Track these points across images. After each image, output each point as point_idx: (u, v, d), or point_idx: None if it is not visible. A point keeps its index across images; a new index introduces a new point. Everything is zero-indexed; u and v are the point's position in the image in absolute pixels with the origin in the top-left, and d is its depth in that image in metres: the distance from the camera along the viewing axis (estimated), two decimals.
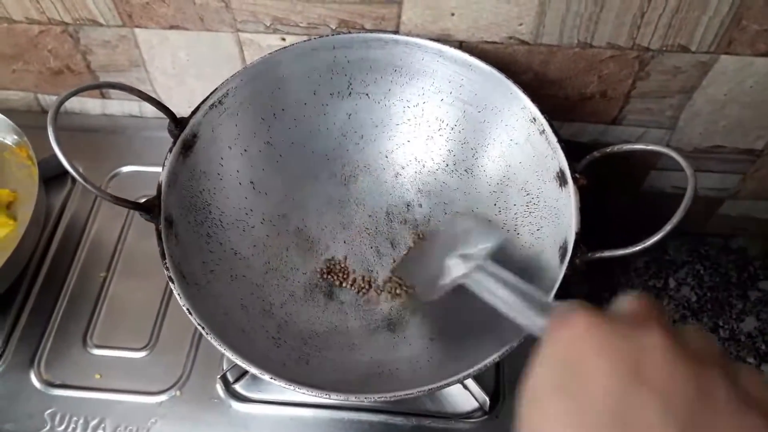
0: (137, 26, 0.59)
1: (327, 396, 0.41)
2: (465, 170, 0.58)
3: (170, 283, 0.44)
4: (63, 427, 0.53)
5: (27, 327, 0.58)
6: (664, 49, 0.56)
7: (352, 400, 0.42)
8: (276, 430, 0.53)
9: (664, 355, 0.24)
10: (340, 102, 0.58)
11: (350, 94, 0.58)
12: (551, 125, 0.50)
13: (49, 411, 0.54)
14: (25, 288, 0.60)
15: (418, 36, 0.54)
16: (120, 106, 0.70)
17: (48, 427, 0.53)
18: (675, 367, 0.23)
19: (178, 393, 0.54)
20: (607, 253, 0.44)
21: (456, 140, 0.58)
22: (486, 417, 0.53)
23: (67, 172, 0.43)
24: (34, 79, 0.68)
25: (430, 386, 0.41)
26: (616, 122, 0.64)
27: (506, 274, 0.38)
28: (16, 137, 0.63)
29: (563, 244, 0.47)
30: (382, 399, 0.41)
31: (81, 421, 0.53)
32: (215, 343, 0.43)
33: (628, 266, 0.75)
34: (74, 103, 0.70)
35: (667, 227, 0.42)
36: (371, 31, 0.57)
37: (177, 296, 0.44)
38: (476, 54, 0.52)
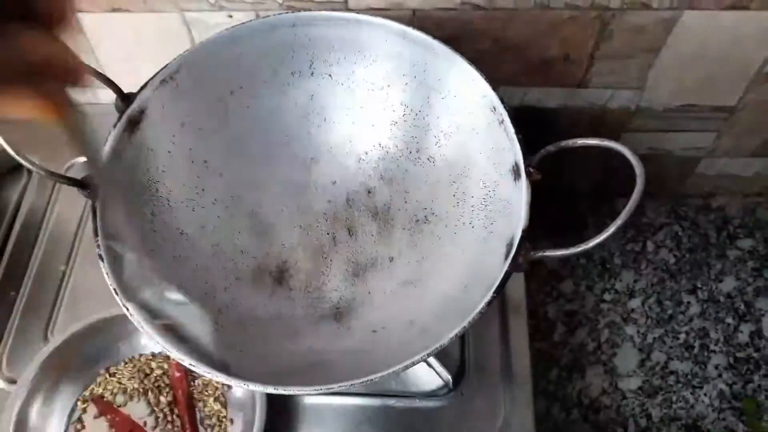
0: (80, 10, 0.58)
1: (246, 386, 0.40)
2: (428, 158, 0.56)
3: (100, 262, 0.44)
4: None
5: None
6: (625, 7, 0.53)
7: (271, 391, 0.40)
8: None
9: None
10: (301, 82, 0.56)
11: (312, 74, 0.56)
12: (510, 116, 0.47)
13: None
14: None
15: (369, 8, 0.51)
16: (74, 93, 0.69)
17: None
18: None
19: None
20: (550, 253, 0.42)
21: (420, 126, 0.56)
22: (451, 393, 0.53)
23: (21, 164, 0.42)
24: None
25: (375, 375, 0.40)
26: (582, 85, 0.62)
27: None
28: None
29: (510, 240, 0.44)
30: (306, 392, 0.40)
31: None
32: (138, 326, 0.42)
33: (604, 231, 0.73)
34: None
35: (611, 229, 0.39)
36: (329, 8, 0.55)
37: (105, 275, 0.43)
38: (431, 23, 0.50)
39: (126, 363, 0.55)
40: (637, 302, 0.70)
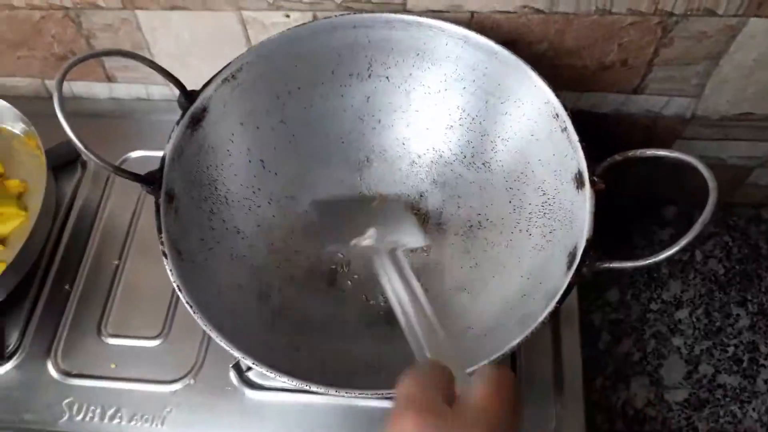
0: (138, 8, 0.58)
1: (308, 387, 0.40)
2: (483, 163, 0.56)
3: (163, 258, 0.44)
4: (81, 416, 0.54)
5: (42, 317, 0.58)
6: (689, 13, 0.52)
7: (333, 393, 0.40)
8: (290, 417, 0.53)
9: None
10: (358, 84, 0.56)
11: (370, 76, 0.56)
12: (573, 123, 0.47)
13: (66, 401, 0.54)
14: (39, 278, 0.60)
15: (427, 9, 0.51)
16: (127, 89, 0.69)
17: (66, 417, 0.54)
18: None
19: (191, 381, 0.54)
20: (617, 264, 0.42)
21: (476, 131, 0.56)
22: None
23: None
24: (40, 65, 0.67)
25: None
26: (637, 92, 0.61)
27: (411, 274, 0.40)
28: (23, 126, 0.62)
29: (573, 249, 0.44)
30: (365, 395, 0.40)
31: (98, 410, 0.54)
32: (201, 322, 0.42)
33: (652, 239, 0.72)
34: (81, 87, 0.70)
35: (682, 242, 0.39)
36: (387, 9, 0.55)
37: (168, 272, 0.44)
38: (489, 24, 0.50)
39: None
40: (684, 313, 0.68)
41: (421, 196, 0.58)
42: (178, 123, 0.48)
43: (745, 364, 0.66)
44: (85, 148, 0.43)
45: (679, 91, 0.61)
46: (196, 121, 0.49)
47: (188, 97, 0.49)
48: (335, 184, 0.58)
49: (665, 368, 0.66)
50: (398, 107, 0.57)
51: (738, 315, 0.68)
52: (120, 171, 0.45)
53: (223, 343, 0.41)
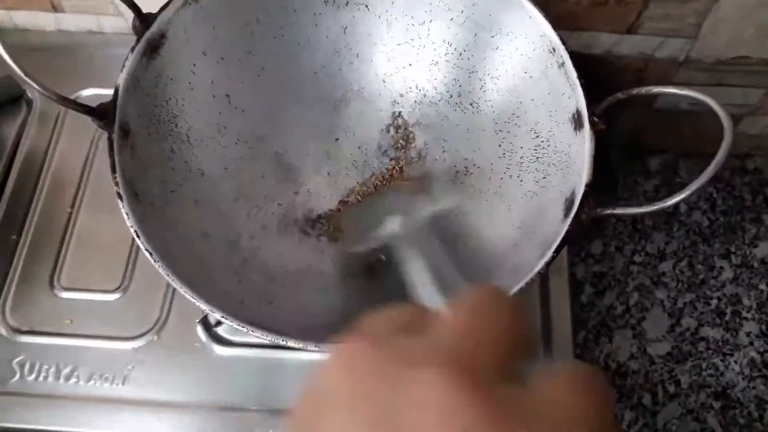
0: None
1: (284, 342, 0.37)
2: (470, 104, 0.52)
3: (118, 200, 0.39)
4: (33, 375, 0.49)
5: None
6: None
7: (312, 348, 0.37)
8: (261, 374, 0.50)
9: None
10: (335, 12, 0.51)
11: (347, 3, 0.51)
12: (572, 58, 0.43)
13: (17, 359, 0.50)
14: None
15: None
16: (76, 20, 0.62)
17: (17, 377, 0.49)
18: None
19: (155, 337, 0.51)
20: (618, 210, 0.39)
21: (464, 68, 0.51)
22: None
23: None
24: None
25: None
26: (631, 31, 0.57)
27: (438, 256, 0.34)
28: None
29: (570, 195, 0.41)
30: None
31: (52, 369, 0.50)
32: (163, 271, 0.38)
33: (636, 189, 0.71)
34: (24, 17, 0.62)
35: (693, 186, 0.36)
36: None
37: (125, 215, 0.39)
38: None
39: None
40: (668, 265, 0.67)
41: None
42: (132, 50, 0.43)
43: (727, 317, 0.65)
44: (26, 75, 0.37)
45: (674, 31, 0.57)
46: (153, 48, 0.44)
47: (144, 20, 0.43)
48: (310, 124, 0.53)
49: (648, 321, 0.64)
50: (378, 40, 0.52)
51: (721, 267, 0.67)
52: (68, 102, 0.40)
53: (188, 295, 0.37)
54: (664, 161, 0.72)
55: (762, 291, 0.66)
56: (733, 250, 0.68)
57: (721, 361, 0.63)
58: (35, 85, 0.37)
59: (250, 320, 0.37)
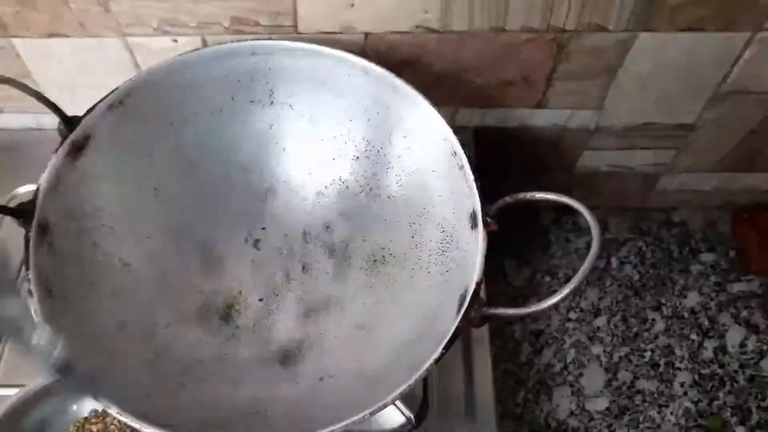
0: (14, 36, 0.54)
1: None
2: (388, 197, 0.54)
3: (28, 297, 0.41)
4: None
5: None
6: (581, 29, 0.53)
7: None
8: None
9: None
10: (260, 110, 0.54)
11: (272, 103, 0.54)
12: (470, 162, 0.46)
13: None
14: None
15: (319, 31, 0.51)
16: (15, 119, 0.65)
17: None
18: None
19: None
20: (502, 311, 0.41)
21: (381, 163, 0.54)
22: (414, 431, 0.51)
23: None
24: None
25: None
26: (541, 106, 0.62)
27: None
28: None
29: (463, 291, 0.43)
30: None
31: None
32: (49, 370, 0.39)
33: (568, 247, 0.73)
34: None
35: (564, 291, 0.38)
36: (278, 32, 0.54)
37: (33, 312, 0.41)
38: (385, 46, 0.50)
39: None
40: (602, 320, 0.69)
41: (327, 228, 0.56)
42: (56, 151, 0.46)
43: (661, 368, 0.67)
44: None
45: (580, 104, 0.62)
46: (77, 149, 0.47)
47: (68, 123, 0.46)
48: (237, 213, 0.56)
49: (585, 377, 0.66)
50: (303, 136, 0.55)
51: (653, 320, 0.70)
52: None
53: (90, 393, 0.39)
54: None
55: (693, 341, 0.68)
56: (663, 301, 0.70)
57: (658, 413, 0.64)
58: None
59: (146, 415, 0.39)
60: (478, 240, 0.43)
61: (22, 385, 0.48)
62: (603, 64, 0.57)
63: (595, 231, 0.39)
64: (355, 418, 0.39)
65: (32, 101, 0.62)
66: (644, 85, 0.60)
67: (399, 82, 0.49)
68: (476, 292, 0.42)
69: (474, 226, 0.45)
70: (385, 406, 0.39)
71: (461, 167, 0.47)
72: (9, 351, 0.53)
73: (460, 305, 0.42)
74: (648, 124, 0.65)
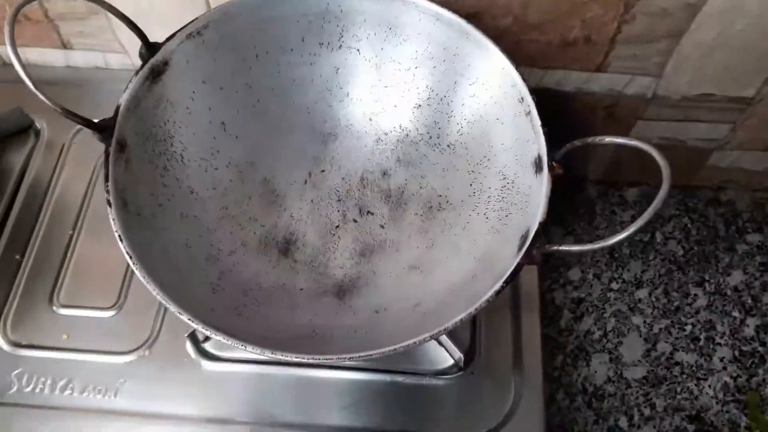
0: None
1: (243, 347, 0.39)
2: (448, 145, 0.55)
3: (107, 207, 0.43)
4: (30, 387, 0.52)
5: None
6: None
7: (271, 355, 0.39)
8: (248, 389, 0.52)
9: None
10: (328, 53, 0.55)
11: (340, 47, 0.55)
12: (537, 106, 0.47)
13: (16, 372, 0.53)
14: None
15: None
16: (84, 57, 0.67)
17: (15, 388, 0.52)
18: None
19: (147, 353, 0.54)
20: (565, 247, 0.41)
21: (444, 112, 0.55)
22: (461, 373, 0.53)
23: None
24: None
25: (386, 348, 0.40)
26: (600, 69, 0.61)
27: None
28: None
29: (525, 232, 0.44)
30: (304, 359, 0.40)
31: (48, 381, 0.52)
32: (139, 274, 0.41)
33: (614, 219, 0.74)
34: (35, 55, 0.67)
35: (631, 228, 0.39)
36: None
37: (111, 221, 0.42)
38: None
39: None
40: (644, 292, 0.69)
41: (384, 174, 0.57)
42: (136, 73, 0.47)
43: (701, 342, 0.66)
44: (35, 87, 0.42)
45: (641, 69, 0.61)
46: (156, 74, 0.48)
47: (150, 48, 0.48)
48: (299, 154, 0.57)
49: (625, 346, 0.66)
50: (367, 82, 0.56)
51: (696, 295, 0.69)
52: (71, 115, 0.44)
53: (159, 297, 0.40)
54: (640, 192, 0.75)
55: (735, 318, 0.68)
56: (707, 278, 0.70)
57: (695, 385, 0.64)
58: (42, 97, 0.41)
59: (216, 326, 0.40)
60: (543, 183, 0.44)
61: None
62: (668, 28, 0.57)
63: (665, 172, 0.39)
64: (411, 341, 0.40)
65: (102, 39, 0.65)
66: (707, 53, 0.59)
67: (470, 29, 0.50)
68: (539, 232, 0.42)
69: (539, 170, 0.45)
70: (443, 332, 0.40)
71: (528, 113, 0.47)
72: None
73: (521, 244, 0.43)
74: (706, 95, 0.64)
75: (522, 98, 0.48)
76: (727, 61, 0.60)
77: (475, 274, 0.47)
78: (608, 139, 0.43)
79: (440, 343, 0.53)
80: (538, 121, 0.46)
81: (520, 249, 0.43)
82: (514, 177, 0.49)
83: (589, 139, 0.44)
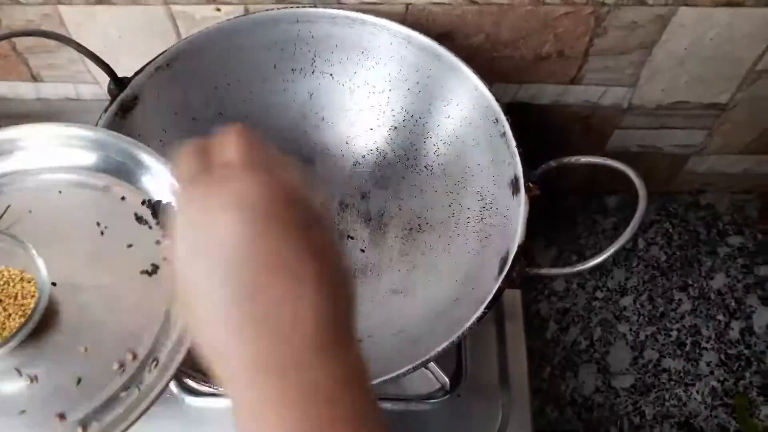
0: (60, 3, 0.55)
1: None
2: (425, 166, 0.55)
3: None
4: None
5: None
6: (620, 3, 0.53)
7: None
8: (232, 423, 0.51)
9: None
10: (302, 79, 0.55)
11: (313, 72, 0.55)
12: (512, 124, 0.47)
13: None
14: None
15: (361, 1, 0.51)
16: (54, 89, 0.66)
17: None
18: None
19: None
20: (545, 271, 0.41)
21: (419, 133, 0.55)
22: (448, 396, 0.52)
23: None
24: None
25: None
26: (575, 82, 0.62)
27: None
28: None
29: (505, 255, 0.43)
30: None
31: None
32: None
33: (595, 228, 0.74)
34: (5, 88, 0.66)
35: (611, 249, 0.39)
36: (322, 2, 0.54)
37: None
38: (425, 17, 0.50)
39: None
40: (629, 300, 0.69)
41: (363, 197, 0.57)
42: (105, 110, 0.47)
43: (687, 348, 0.67)
44: None
45: (615, 80, 0.62)
46: (126, 109, 0.48)
47: (118, 84, 0.47)
48: None
49: (612, 355, 0.66)
50: (342, 105, 0.56)
51: (680, 300, 0.69)
52: None
53: None
54: (620, 200, 0.76)
55: (720, 321, 0.68)
56: (690, 282, 0.70)
57: (684, 391, 0.64)
58: None
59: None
60: (521, 205, 0.44)
61: None
62: (640, 40, 0.57)
63: (642, 192, 0.39)
64: (396, 373, 0.40)
65: (72, 71, 0.64)
66: (680, 62, 0.60)
67: (442, 51, 0.50)
68: (518, 254, 0.42)
69: (516, 191, 0.45)
70: (426, 362, 0.40)
71: (503, 134, 0.47)
72: None
73: (501, 267, 0.43)
74: (680, 103, 0.65)
75: (497, 119, 0.48)
76: (699, 70, 0.60)
77: (457, 297, 0.47)
78: (584, 159, 0.43)
79: (426, 368, 0.52)
80: (513, 142, 0.46)
81: (500, 272, 0.43)
82: (492, 198, 0.49)
83: (565, 160, 0.44)
